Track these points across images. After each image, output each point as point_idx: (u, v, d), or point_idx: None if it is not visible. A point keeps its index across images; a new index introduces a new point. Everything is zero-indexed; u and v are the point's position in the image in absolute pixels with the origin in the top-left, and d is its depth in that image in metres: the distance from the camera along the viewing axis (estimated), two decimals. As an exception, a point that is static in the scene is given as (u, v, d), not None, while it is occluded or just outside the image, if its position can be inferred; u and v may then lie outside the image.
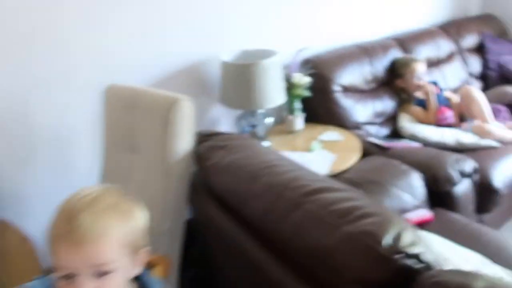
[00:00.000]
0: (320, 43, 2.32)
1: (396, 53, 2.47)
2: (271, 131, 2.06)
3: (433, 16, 3.07)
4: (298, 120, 2.04)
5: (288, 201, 0.81)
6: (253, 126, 1.87)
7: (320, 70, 2.14)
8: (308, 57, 2.19)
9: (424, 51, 2.64)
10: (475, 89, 2.35)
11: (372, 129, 2.26)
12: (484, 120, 2.24)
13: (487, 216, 1.94)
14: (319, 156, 1.76)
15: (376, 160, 1.78)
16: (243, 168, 0.98)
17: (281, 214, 0.81)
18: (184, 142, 1.17)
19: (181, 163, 1.16)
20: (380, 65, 2.37)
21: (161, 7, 1.72)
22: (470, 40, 2.96)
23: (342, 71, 2.18)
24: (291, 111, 2.03)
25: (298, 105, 2.03)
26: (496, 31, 3.16)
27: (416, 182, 1.66)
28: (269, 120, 1.90)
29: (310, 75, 2.10)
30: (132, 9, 1.65)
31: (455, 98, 2.40)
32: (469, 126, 2.18)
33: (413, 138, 2.11)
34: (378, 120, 2.30)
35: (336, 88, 2.15)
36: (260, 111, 1.89)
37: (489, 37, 3.02)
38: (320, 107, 2.18)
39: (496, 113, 2.45)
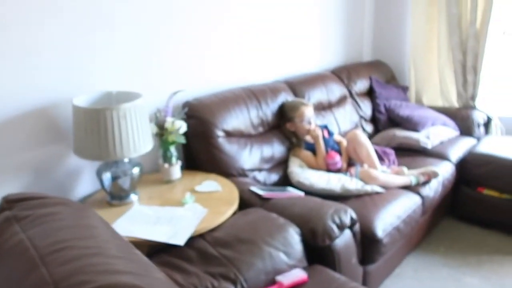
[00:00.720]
0: (202, 86, 2.19)
1: (286, 97, 2.41)
2: (144, 181, 1.84)
3: (327, 61, 3.14)
4: (174, 169, 1.84)
5: (52, 308, 0.59)
6: (116, 177, 1.63)
7: (200, 114, 1.98)
8: (187, 100, 2.03)
9: (316, 95, 2.64)
10: (362, 134, 2.36)
11: (260, 175, 2.13)
12: (371, 164, 2.24)
13: (372, 267, 1.86)
14: (189, 211, 1.56)
15: (253, 214, 1.62)
16: (27, 251, 0.74)
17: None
18: (-30, 212, 0.90)
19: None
20: (268, 109, 2.28)
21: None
22: (361, 84, 3.06)
23: (225, 115, 2.05)
24: (166, 159, 1.83)
25: (173, 152, 1.83)
26: (385, 76, 3.32)
27: (293, 239, 1.52)
28: (137, 170, 1.67)
29: (189, 119, 1.93)
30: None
31: (345, 142, 2.39)
32: (356, 171, 2.15)
33: (300, 185, 2.01)
34: (267, 166, 2.18)
35: (218, 133, 2.00)
36: (125, 160, 1.66)
37: (378, 82, 3.15)
38: (201, 153, 2.00)
39: (384, 157, 2.48)
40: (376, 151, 2.54)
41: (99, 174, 1.63)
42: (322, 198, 1.90)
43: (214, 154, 1.98)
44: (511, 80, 3.32)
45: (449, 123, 2.93)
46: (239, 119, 2.11)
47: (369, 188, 2.02)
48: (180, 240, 1.39)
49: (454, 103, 3.24)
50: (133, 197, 1.69)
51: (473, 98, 3.11)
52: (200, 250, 1.41)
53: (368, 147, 2.29)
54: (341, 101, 2.86)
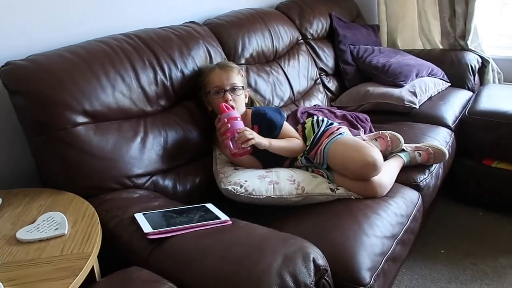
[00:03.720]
0: (38, 36, 1.26)
1: (208, 47, 1.54)
2: None
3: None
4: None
5: None
6: None
7: (34, 86, 1.08)
8: (5, 63, 1.11)
9: (255, 42, 1.78)
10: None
11: (168, 181, 1.29)
12: None
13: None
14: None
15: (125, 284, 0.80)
16: None
17: None
18: None
19: None
20: (176, 69, 1.40)
21: None
22: (318, 25, 2.22)
23: (88, 84, 1.16)
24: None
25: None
26: (349, 14, 2.49)
27: None
28: None
29: (14, 97, 1.04)
30: None
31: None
32: (325, 171, 1.30)
33: (229, 194, 1.19)
34: (176, 162, 1.34)
35: (74, 117, 1.11)
36: None
37: (341, 21, 2.32)
38: (48, 158, 1.12)
39: (355, 125, 1.71)
40: (346, 117, 1.78)
41: None
42: (267, 208, 1.14)
43: (69, 157, 1.11)
44: (505, 9, 2.60)
45: (437, 71, 2.18)
46: (119, 89, 1.22)
47: (344, 192, 1.24)
48: None
49: (438, 44, 2.49)
50: None
51: (463, 36, 2.36)
52: None
53: None
54: (292, 49, 2.02)
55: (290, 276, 0.82)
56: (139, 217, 1.00)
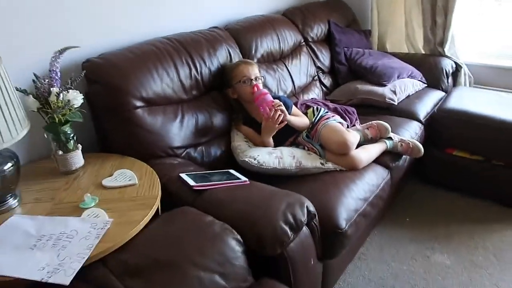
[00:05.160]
0: (107, 38, 1.64)
1: (228, 48, 1.92)
2: (34, 173, 1.36)
3: (277, 1, 2.62)
4: (73, 156, 1.36)
5: None
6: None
7: (106, 78, 1.47)
8: (86, 60, 1.50)
9: (266, 44, 2.16)
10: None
11: (197, 153, 1.69)
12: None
13: (333, 260, 1.54)
14: (86, 222, 1.11)
15: (179, 220, 1.21)
16: None
17: None
18: None
19: None
20: (205, 66, 1.79)
21: None
22: (318, 29, 2.60)
23: (144, 77, 1.54)
24: (59, 143, 1.33)
25: (69, 134, 1.34)
26: (345, 19, 2.87)
27: (233, 252, 1.14)
28: (10, 165, 1.17)
29: (91, 85, 1.42)
30: None
31: (306, 120, 1.84)
32: (319, 150, 1.71)
33: (245, 165, 1.60)
34: (204, 139, 1.74)
35: (134, 102, 1.51)
36: (-10, 152, 1.16)
37: (337, 26, 2.70)
38: (113, 131, 1.52)
39: (343, 117, 2.10)
40: (337, 109, 2.17)
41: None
42: (273, 177, 1.54)
43: (130, 132, 1.50)
44: (479, 21, 3.00)
45: (416, 73, 2.58)
46: (165, 81, 1.62)
47: (331, 165, 1.66)
48: (65, 277, 0.95)
49: (420, 49, 2.88)
50: (12, 202, 1.21)
51: (441, 43, 2.75)
52: (98, 284, 1.00)
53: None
54: (295, 50, 2.41)
55: (291, 215, 1.24)
56: (184, 175, 1.41)
